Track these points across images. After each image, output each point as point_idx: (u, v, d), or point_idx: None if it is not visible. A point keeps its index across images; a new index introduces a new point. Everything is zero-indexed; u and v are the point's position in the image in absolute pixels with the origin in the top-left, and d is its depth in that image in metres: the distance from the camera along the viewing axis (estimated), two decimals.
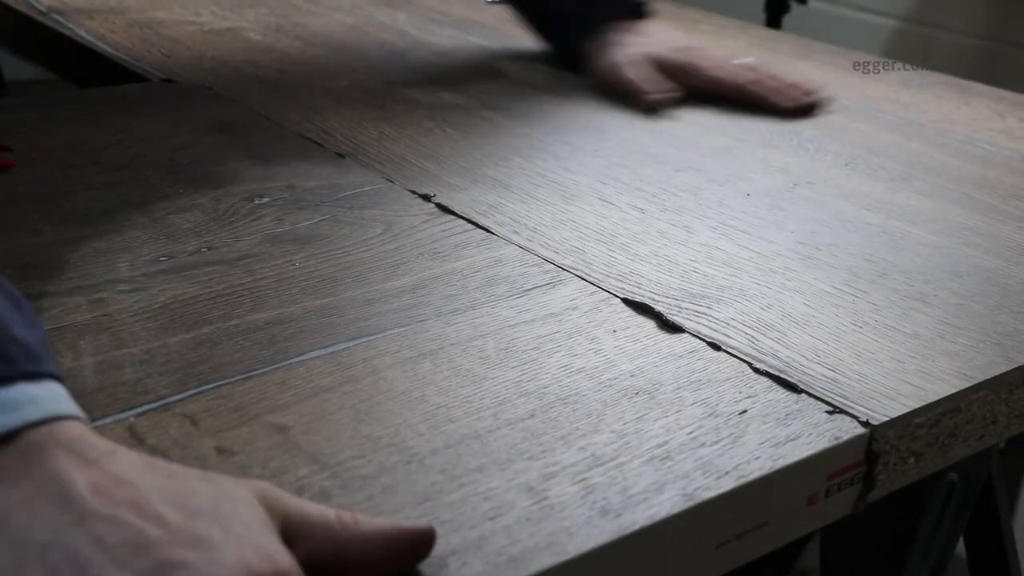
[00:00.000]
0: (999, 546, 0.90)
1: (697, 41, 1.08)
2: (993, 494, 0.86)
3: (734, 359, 0.55)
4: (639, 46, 0.99)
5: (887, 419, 0.50)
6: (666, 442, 0.47)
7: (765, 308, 0.60)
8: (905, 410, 0.51)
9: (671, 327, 0.58)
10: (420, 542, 0.39)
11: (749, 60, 1.02)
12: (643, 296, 0.61)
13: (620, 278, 0.63)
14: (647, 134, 0.89)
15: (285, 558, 0.35)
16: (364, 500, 0.42)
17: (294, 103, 0.90)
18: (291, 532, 0.37)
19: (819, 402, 0.51)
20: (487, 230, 0.68)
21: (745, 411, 0.50)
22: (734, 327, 0.58)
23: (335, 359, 0.52)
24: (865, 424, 0.50)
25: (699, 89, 0.97)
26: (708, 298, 0.61)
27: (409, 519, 0.41)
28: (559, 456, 0.46)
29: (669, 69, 0.98)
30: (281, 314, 0.56)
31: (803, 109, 0.96)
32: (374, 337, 0.54)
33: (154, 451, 0.44)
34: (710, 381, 0.53)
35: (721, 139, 0.89)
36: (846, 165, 0.85)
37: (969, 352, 0.57)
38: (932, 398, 0.53)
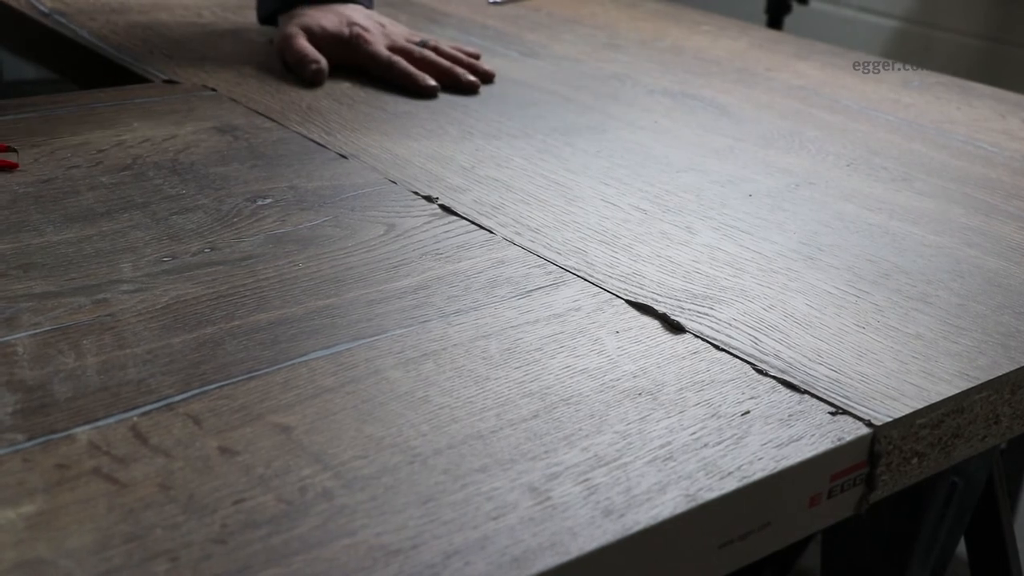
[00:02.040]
0: (1000, 546, 0.90)
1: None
2: (994, 494, 0.86)
3: (737, 360, 0.55)
4: (312, 18, 1.01)
5: (890, 419, 0.51)
6: (669, 443, 0.47)
7: (767, 309, 0.61)
8: (908, 410, 0.51)
9: (674, 328, 0.58)
10: None
11: (426, 38, 1.03)
12: (646, 297, 0.61)
13: (623, 279, 0.63)
14: (649, 135, 0.89)
15: None
16: (367, 500, 0.42)
17: (296, 104, 0.90)
18: None
19: (822, 403, 0.52)
20: (489, 231, 0.68)
21: (748, 412, 0.50)
22: (737, 328, 0.58)
23: (338, 359, 0.52)
24: (868, 425, 0.50)
25: (360, 65, 0.99)
26: (710, 299, 0.61)
27: (412, 519, 0.41)
28: (562, 456, 0.46)
29: (335, 42, 0.99)
30: (284, 314, 0.56)
31: (462, 87, 0.97)
32: (377, 338, 0.54)
33: (157, 451, 0.45)
34: (713, 382, 0.53)
35: (722, 140, 0.89)
36: (847, 166, 0.85)
37: (971, 352, 0.57)
38: (935, 398, 0.53)
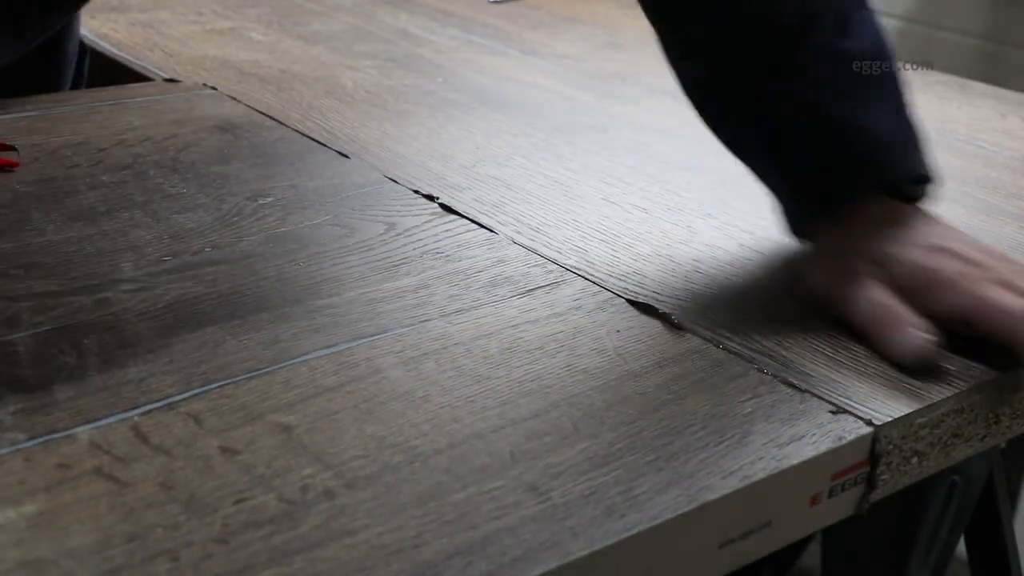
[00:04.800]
0: (1000, 546, 0.90)
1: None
2: (994, 494, 0.86)
3: (738, 359, 0.55)
4: (886, 241, 0.61)
5: (891, 419, 0.51)
6: (670, 442, 0.47)
7: (768, 308, 0.61)
8: (908, 410, 0.51)
9: (674, 327, 0.58)
10: None
11: None
12: (646, 296, 0.61)
13: (623, 278, 0.63)
14: (650, 134, 0.89)
15: None
16: (368, 499, 0.42)
17: (296, 103, 0.90)
18: None
19: (823, 402, 0.52)
20: (490, 230, 0.68)
21: (749, 411, 0.50)
22: (737, 327, 0.58)
23: (339, 359, 0.52)
24: (869, 424, 0.50)
25: (945, 320, 0.58)
26: (711, 298, 0.61)
27: (413, 519, 0.41)
28: (563, 456, 0.46)
29: (911, 289, 0.59)
30: (284, 313, 0.56)
31: None
32: (377, 337, 0.54)
33: (158, 450, 0.45)
34: (714, 381, 0.53)
35: None
36: None
37: (972, 351, 0.57)
38: (935, 398, 0.53)
